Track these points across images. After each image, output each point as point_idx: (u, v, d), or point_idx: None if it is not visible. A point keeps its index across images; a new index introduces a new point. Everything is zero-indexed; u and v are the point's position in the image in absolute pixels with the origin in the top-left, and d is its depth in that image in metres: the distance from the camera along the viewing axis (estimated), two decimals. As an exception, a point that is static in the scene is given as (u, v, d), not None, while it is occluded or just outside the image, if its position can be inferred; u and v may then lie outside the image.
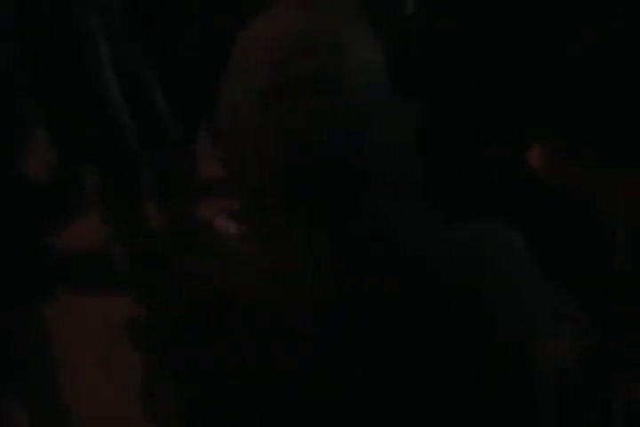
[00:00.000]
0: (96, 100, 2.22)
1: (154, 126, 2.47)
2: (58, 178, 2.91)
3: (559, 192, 1.55)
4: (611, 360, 1.54)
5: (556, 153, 1.54)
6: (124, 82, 2.28)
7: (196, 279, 0.89)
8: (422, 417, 0.84)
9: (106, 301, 2.80)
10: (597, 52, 1.48)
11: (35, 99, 2.23)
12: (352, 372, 0.83)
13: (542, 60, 1.53)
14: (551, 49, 1.52)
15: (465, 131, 1.64)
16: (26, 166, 2.69)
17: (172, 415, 0.92)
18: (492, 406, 0.85)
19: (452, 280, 0.84)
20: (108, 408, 2.39)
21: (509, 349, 0.84)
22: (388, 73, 0.81)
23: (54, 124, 2.30)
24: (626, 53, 1.48)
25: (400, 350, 0.83)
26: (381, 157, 0.78)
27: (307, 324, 0.83)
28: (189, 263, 0.92)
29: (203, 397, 0.88)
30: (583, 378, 1.50)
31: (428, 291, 0.83)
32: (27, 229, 2.16)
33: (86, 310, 2.77)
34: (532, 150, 1.54)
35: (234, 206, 0.87)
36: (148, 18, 2.35)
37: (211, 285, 0.88)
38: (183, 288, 0.90)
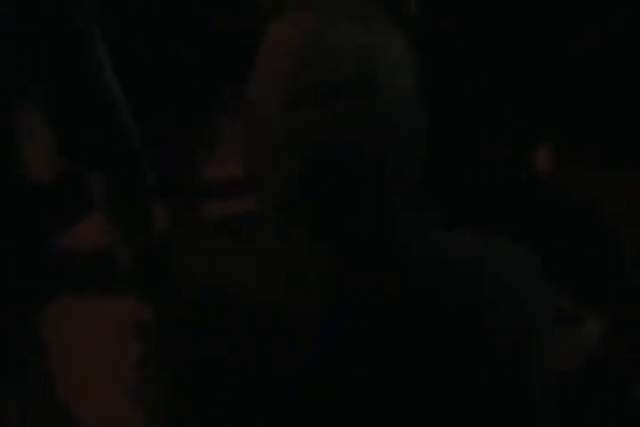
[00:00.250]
0: (97, 100, 2.22)
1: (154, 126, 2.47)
2: (60, 178, 2.91)
3: (562, 193, 1.55)
4: (611, 360, 1.54)
5: (559, 155, 1.54)
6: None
7: (196, 279, 0.89)
8: (422, 417, 0.84)
9: (108, 301, 2.81)
10: (599, 54, 1.49)
11: (35, 99, 2.23)
12: (352, 372, 0.83)
13: (543, 61, 1.53)
14: (552, 50, 1.52)
15: (466, 132, 1.64)
16: (27, 167, 2.70)
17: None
18: (492, 406, 0.85)
19: (451, 280, 0.84)
20: (108, 408, 2.39)
21: (509, 349, 0.84)
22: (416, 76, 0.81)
23: (56, 125, 2.30)
24: (627, 55, 1.48)
25: (400, 350, 0.83)
26: (397, 157, 0.78)
27: (307, 324, 0.83)
28: (189, 263, 0.92)
29: (203, 397, 0.88)
30: (583, 378, 1.50)
31: (428, 291, 0.83)
32: (28, 230, 2.16)
33: (88, 310, 2.77)
34: (539, 152, 1.55)
35: (238, 207, 0.87)
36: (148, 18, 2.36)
37: (211, 285, 0.88)
38: (183, 288, 0.90)
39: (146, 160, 2.51)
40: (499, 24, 1.56)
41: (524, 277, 0.88)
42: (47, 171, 2.89)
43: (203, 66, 2.21)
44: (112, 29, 2.19)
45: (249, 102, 0.81)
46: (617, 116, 1.50)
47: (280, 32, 0.80)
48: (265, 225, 0.88)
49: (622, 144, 1.51)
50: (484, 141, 1.62)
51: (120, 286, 2.86)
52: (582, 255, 1.57)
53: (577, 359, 1.48)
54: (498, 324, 0.84)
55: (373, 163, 0.76)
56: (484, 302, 0.84)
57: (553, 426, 0.92)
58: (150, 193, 2.60)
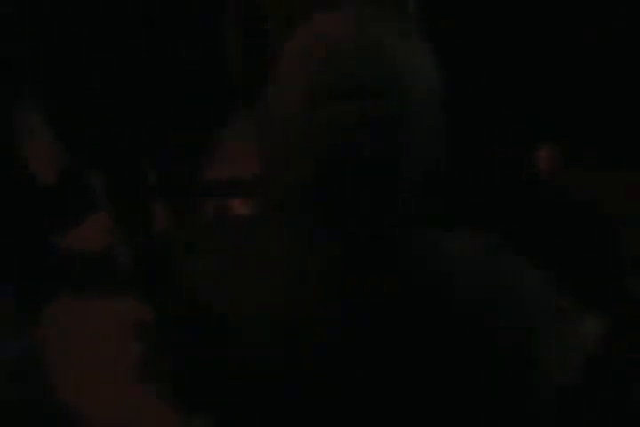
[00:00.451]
0: (97, 100, 2.22)
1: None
2: (61, 178, 2.91)
3: (562, 193, 1.55)
4: (611, 360, 1.54)
5: (559, 155, 1.54)
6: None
7: (196, 279, 0.89)
8: (422, 417, 0.84)
9: (108, 301, 2.81)
10: (599, 54, 1.49)
11: (36, 99, 2.23)
12: (352, 372, 0.83)
13: (543, 61, 1.53)
14: (552, 50, 1.52)
15: (467, 132, 1.64)
16: (27, 167, 2.70)
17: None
18: (493, 406, 0.85)
19: (451, 280, 0.84)
20: (108, 408, 2.40)
21: (509, 349, 0.84)
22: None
23: (57, 125, 2.30)
24: (627, 55, 1.48)
25: (400, 350, 0.83)
26: (412, 159, 0.78)
27: (307, 324, 0.83)
28: (189, 263, 0.92)
29: (203, 397, 0.88)
30: (584, 378, 1.50)
31: (428, 291, 0.83)
32: (29, 230, 2.16)
33: (88, 310, 2.77)
34: (541, 152, 1.55)
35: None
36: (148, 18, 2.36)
37: (211, 285, 0.88)
38: (183, 288, 0.90)
39: (146, 160, 2.51)
40: (499, 24, 1.56)
41: (524, 278, 0.88)
42: (48, 171, 2.90)
43: (203, 66, 2.21)
44: (112, 30, 2.19)
45: (268, 102, 0.81)
46: (617, 117, 1.50)
47: (302, 34, 0.80)
48: (265, 225, 0.88)
49: (622, 144, 1.51)
50: (484, 141, 1.62)
51: (120, 286, 2.86)
52: (582, 255, 1.57)
53: (577, 359, 1.48)
54: (498, 324, 0.84)
55: (389, 164, 0.76)
56: (484, 302, 0.84)
57: (553, 426, 0.92)
58: (150, 193, 2.60)
